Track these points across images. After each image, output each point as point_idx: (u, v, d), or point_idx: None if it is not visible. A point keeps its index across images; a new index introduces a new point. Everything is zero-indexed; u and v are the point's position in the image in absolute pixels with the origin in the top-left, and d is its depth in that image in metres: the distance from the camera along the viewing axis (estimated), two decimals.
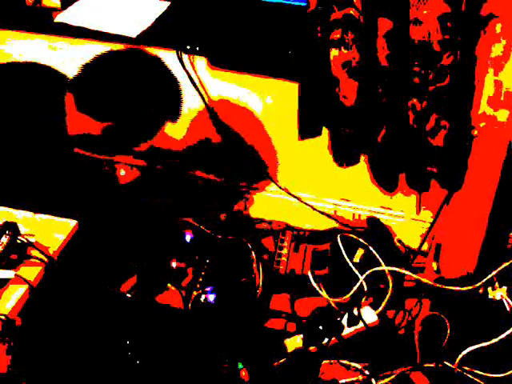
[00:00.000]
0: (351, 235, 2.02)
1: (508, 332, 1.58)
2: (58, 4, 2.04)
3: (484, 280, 1.65)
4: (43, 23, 2.00)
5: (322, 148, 1.96)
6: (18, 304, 1.33)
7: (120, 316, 1.78)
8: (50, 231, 1.51)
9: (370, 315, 1.80)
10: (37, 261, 1.41)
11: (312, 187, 2.15)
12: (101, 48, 1.88)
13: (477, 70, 1.51)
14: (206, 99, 2.01)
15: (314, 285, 1.90)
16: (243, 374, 1.64)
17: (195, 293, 1.86)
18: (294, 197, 2.16)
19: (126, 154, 2.19)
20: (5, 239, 1.39)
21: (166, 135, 2.17)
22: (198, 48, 1.88)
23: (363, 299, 1.84)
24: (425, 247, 1.94)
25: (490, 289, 1.68)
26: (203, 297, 1.84)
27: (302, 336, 1.74)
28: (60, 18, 1.99)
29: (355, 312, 1.78)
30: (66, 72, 1.67)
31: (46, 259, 1.41)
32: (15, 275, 1.38)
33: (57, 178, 1.71)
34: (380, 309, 1.83)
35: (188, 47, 1.89)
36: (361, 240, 1.99)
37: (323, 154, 1.96)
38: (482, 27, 1.45)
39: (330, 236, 2.06)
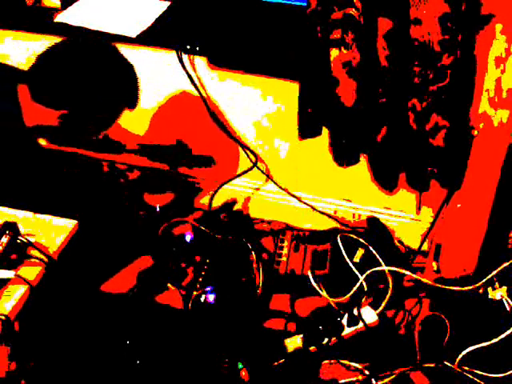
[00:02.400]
0: (351, 235, 2.02)
1: (508, 332, 1.58)
2: (58, 4, 2.04)
3: (484, 280, 1.65)
4: (43, 23, 2.00)
5: (322, 148, 1.95)
6: (18, 304, 1.33)
7: (120, 316, 1.78)
8: (50, 231, 1.51)
9: (370, 315, 1.80)
10: (37, 261, 1.41)
11: (312, 187, 2.15)
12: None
13: (477, 70, 1.51)
14: (206, 99, 2.01)
15: (314, 285, 1.90)
16: (243, 373, 1.63)
17: (195, 293, 1.86)
18: (294, 197, 2.16)
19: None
20: (5, 239, 1.39)
21: (167, 135, 2.18)
22: (197, 48, 1.88)
23: (363, 299, 1.84)
24: (425, 247, 1.94)
25: (490, 289, 1.68)
26: (203, 297, 1.84)
27: (301, 336, 1.74)
28: (60, 18, 1.99)
29: (355, 312, 1.78)
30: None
31: (46, 259, 1.41)
32: (15, 275, 1.38)
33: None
34: (380, 309, 1.83)
35: (188, 47, 1.89)
36: (361, 240, 1.99)
37: (323, 154, 1.96)
38: (482, 27, 1.45)
39: (330, 236, 2.06)
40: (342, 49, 1.62)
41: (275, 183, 2.16)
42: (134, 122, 2.15)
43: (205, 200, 2.23)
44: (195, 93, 1.99)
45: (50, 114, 1.58)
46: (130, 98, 1.66)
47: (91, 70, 1.56)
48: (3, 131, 1.62)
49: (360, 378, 1.67)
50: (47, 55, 1.57)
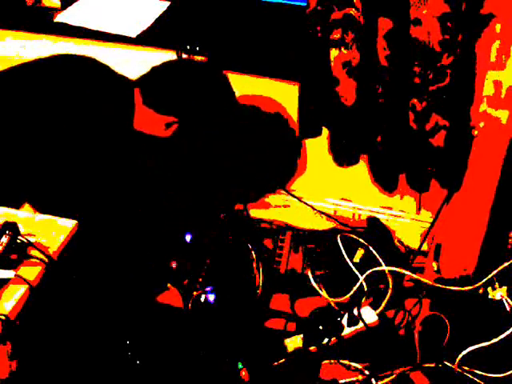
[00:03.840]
0: (351, 235, 2.02)
1: (508, 332, 1.58)
2: (58, 4, 2.04)
3: (484, 280, 1.65)
4: (43, 23, 2.00)
5: (322, 148, 1.96)
6: (18, 304, 1.33)
7: (120, 316, 1.78)
8: (49, 231, 1.51)
9: (370, 315, 1.80)
10: (37, 261, 1.41)
11: (312, 187, 2.15)
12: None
13: (477, 70, 1.51)
14: None
15: (314, 285, 1.90)
16: (243, 373, 1.64)
17: (195, 293, 1.86)
18: (294, 197, 2.16)
19: None
20: (5, 239, 1.39)
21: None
22: (198, 48, 1.88)
23: (363, 299, 1.84)
24: (425, 247, 1.94)
25: (489, 289, 1.68)
26: (203, 297, 1.84)
27: (302, 336, 1.74)
28: (60, 18, 1.99)
29: (355, 312, 1.78)
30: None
31: (46, 259, 1.41)
32: (15, 275, 1.37)
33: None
34: (380, 309, 1.83)
35: (188, 47, 1.89)
36: (361, 240, 1.99)
37: (323, 154, 1.96)
38: (482, 27, 1.45)
39: (330, 236, 2.06)
40: (342, 49, 1.62)
41: (275, 183, 2.16)
42: None
43: None
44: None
45: (157, 121, 1.68)
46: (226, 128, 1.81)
47: (199, 91, 1.71)
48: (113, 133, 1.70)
49: (360, 378, 1.67)
50: (165, 68, 1.72)
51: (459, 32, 1.49)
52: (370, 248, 1.95)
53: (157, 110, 1.68)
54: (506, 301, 1.65)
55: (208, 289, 1.85)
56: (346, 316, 1.77)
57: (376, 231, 2.11)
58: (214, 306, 1.83)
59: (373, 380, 1.65)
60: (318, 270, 1.96)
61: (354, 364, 1.70)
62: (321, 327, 1.74)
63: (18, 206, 1.63)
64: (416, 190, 1.99)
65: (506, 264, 1.62)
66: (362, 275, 1.85)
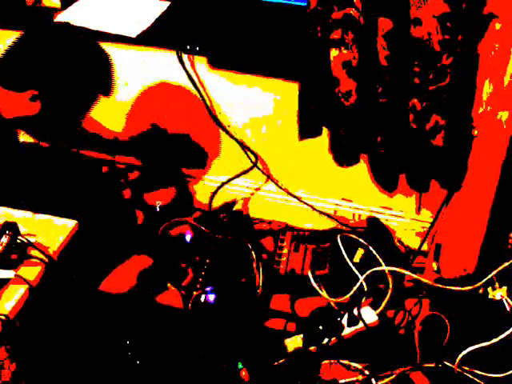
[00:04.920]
0: (351, 235, 2.02)
1: (508, 332, 1.58)
2: (58, 4, 2.04)
3: (484, 280, 1.65)
4: (43, 23, 2.00)
5: (322, 148, 1.95)
6: (17, 304, 1.33)
7: (120, 316, 1.78)
8: (49, 231, 1.51)
9: (370, 315, 1.80)
10: (37, 261, 1.41)
11: (312, 187, 2.15)
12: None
13: (478, 70, 1.51)
14: (206, 99, 2.01)
15: (314, 285, 1.90)
16: (243, 373, 1.64)
17: (195, 293, 1.86)
18: (294, 197, 2.16)
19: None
20: (5, 239, 1.39)
21: (164, 134, 2.18)
22: (198, 48, 1.88)
23: (363, 299, 1.84)
24: (425, 247, 1.94)
25: (489, 289, 1.68)
26: (203, 297, 1.84)
27: (302, 336, 1.74)
28: (60, 18, 1.99)
29: (355, 312, 1.78)
30: None
31: (46, 259, 1.41)
32: (15, 275, 1.38)
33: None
34: (380, 309, 1.83)
35: (188, 47, 1.89)
36: (361, 240, 1.99)
37: (323, 154, 1.96)
38: (483, 27, 1.45)
39: (330, 236, 2.06)
40: (342, 49, 1.62)
41: (275, 183, 2.16)
42: (134, 119, 2.15)
43: (205, 200, 2.24)
44: (195, 93, 1.99)
45: (21, 101, 1.59)
46: (105, 85, 1.71)
47: (47, 56, 1.61)
48: None
49: (360, 378, 1.67)
50: (12, 46, 1.61)
51: (459, 32, 1.48)
52: (370, 248, 1.96)
53: (13, 88, 1.59)
54: (506, 301, 1.65)
55: (208, 289, 1.86)
56: (346, 316, 1.77)
57: (376, 231, 2.11)
58: (214, 306, 1.84)
59: (373, 380, 1.65)
60: (318, 269, 1.96)
61: (354, 364, 1.70)
62: (321, 327, 1.74)
63: None
64: (416, 190, 1.99)
65: (506, 264, 1.62)
66: (362, 275, 1.85)
